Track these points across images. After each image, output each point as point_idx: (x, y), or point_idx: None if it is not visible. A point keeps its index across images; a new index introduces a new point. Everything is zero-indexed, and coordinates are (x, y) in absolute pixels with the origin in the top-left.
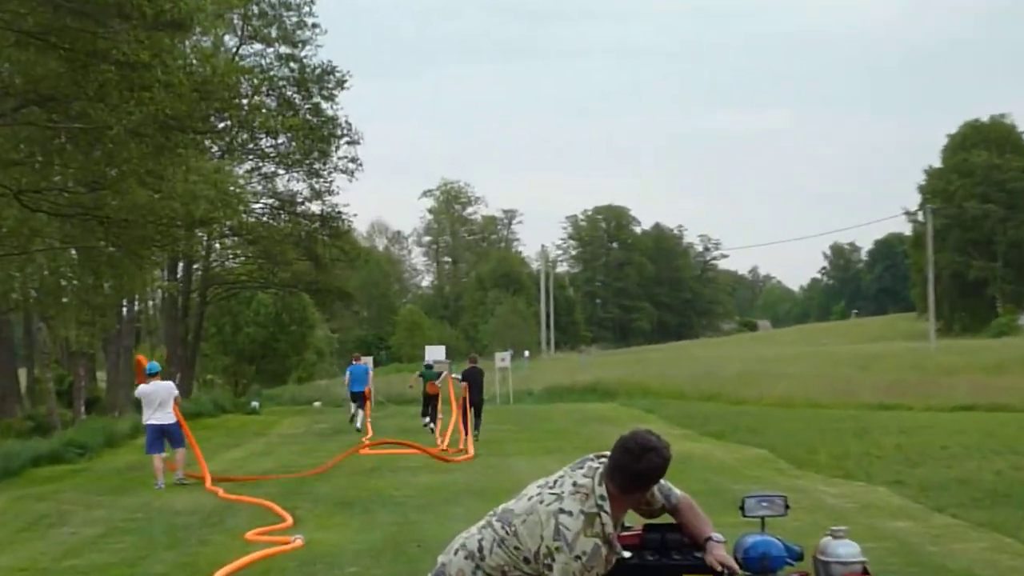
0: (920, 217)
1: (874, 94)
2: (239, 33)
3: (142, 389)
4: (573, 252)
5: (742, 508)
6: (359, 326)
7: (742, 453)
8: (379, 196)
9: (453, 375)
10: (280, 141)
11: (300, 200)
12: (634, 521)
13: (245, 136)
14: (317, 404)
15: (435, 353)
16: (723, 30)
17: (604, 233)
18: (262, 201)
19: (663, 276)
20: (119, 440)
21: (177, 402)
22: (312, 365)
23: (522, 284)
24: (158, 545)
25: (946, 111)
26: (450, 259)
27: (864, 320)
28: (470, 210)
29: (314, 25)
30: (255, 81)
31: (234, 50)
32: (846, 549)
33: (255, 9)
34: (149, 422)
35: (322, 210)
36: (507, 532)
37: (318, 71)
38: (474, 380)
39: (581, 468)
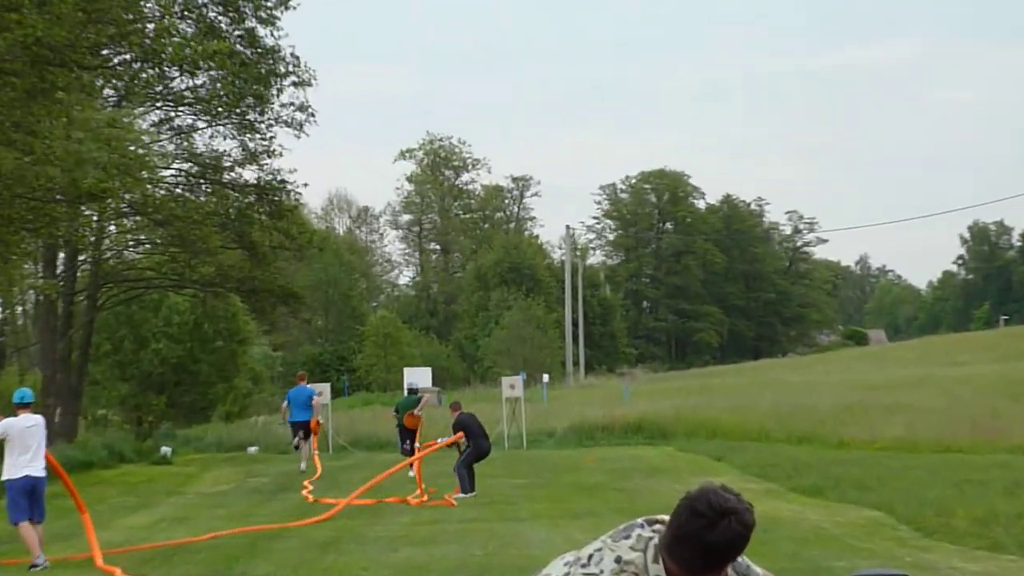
0: None
1: None
2: None
3: (6, 425)
4: (611, 236)
5: None
6: (311, 340)
7: (846, 516)
8: (339, 159)
9: (427, 398)
10: (200, 81)
11: (228, 165)
12: None
13: (151, 73)
14: (253, 449)
15: (418, 377)
16: None
17: (654, 210)
18: (175, 166)
19: (736, 269)
20: None
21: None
22: (246, 396)
23: (539, 281)
24: None
25: None
26: (438, 246)
27: (1017, 329)
28: (466, 178)
29: None
30: None
31: None
32: None
33: None
34: (12, 476)
35: (259, 179)
36: None
37: None
38: (471, 426)
39: (627, 538)
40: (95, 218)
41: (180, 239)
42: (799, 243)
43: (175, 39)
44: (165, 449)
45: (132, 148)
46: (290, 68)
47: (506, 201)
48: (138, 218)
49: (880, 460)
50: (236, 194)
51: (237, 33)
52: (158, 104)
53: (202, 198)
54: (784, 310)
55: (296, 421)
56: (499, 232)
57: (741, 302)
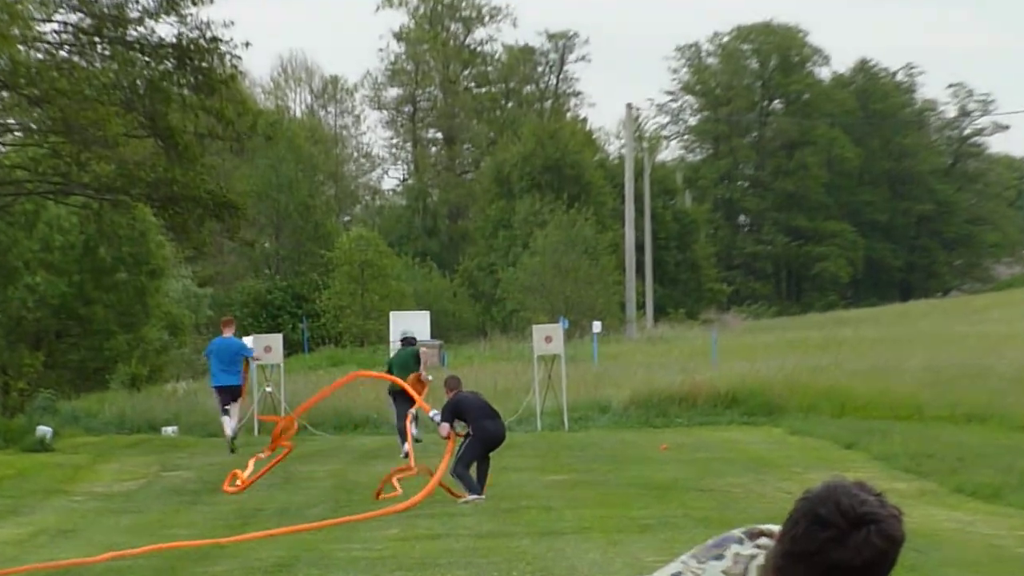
0: None
1: None
2: None
3: None
4: (692, 120)
5: None
6: (255, 273)
7: None
8: (296, 7)
9: (425, 355)
10: None
11: (136, 16)
12: None
13: None
14: (170, 430)
15: (411, 324)
16: None
17: (756, 82)
18: (59, 18)
19: (876, 169)
20: None
21: None
22: (159, 353)
23: (588, 186)
24: None
25: None
26: (439, 135)
27: None
28: (481, 35)
29: None
30: None
31: None
32: None
33: None
34: None
35: (180, 36)
36: None
37: None
38: (471, 407)
39: (719, 558)
40: None
41: (65, 124)
42: (968, 131)
43: None
44: (43, 429)
45: None
46: None
47: (539, 69)
48: (4, 94)
49: None
50: (146, 59)
51: None
52: None
53: (97, 65)
54: (945, 229)
55: (221, 386)
56: (529, 114)
57: (883, 217)
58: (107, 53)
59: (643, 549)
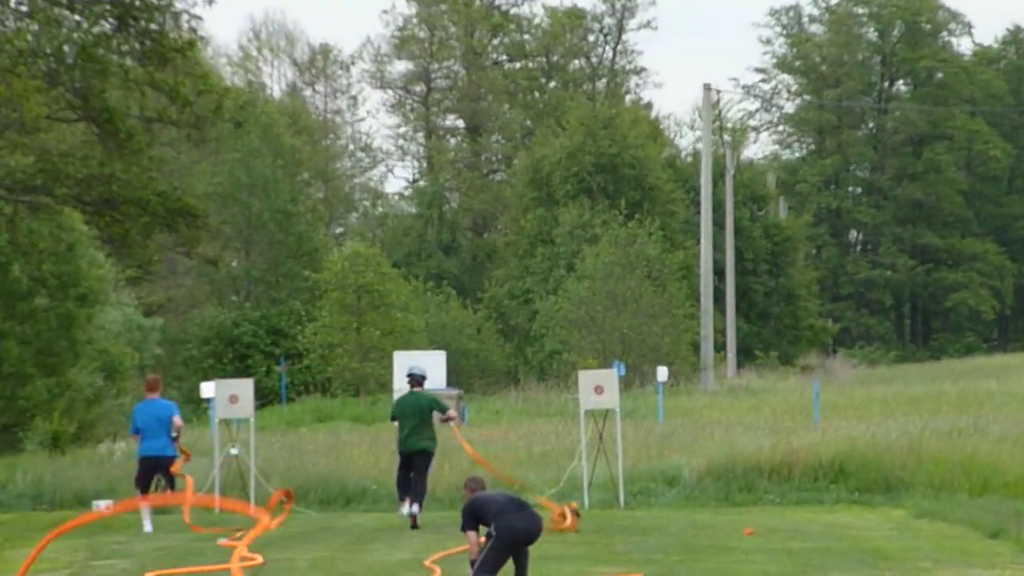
0: None
1: None
2: None
3: None
4: (789, 106)
5: None
6: (219, 299)
7: None
8: None
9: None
10: None
11: None
12: None
13: None
14: (101, 504)
15: (422, 367)
16: None
17: (874, 56)
18: None
19: None
20: None
21: None
22: (91, 403)
23: (651, 191)
24: None
25: None
26: (461, 123)
27: None
28: None
29: None
30: None
31: None
32: None
33: None
34: None
35: None
36: None
37: None
38: (492, 506)
39: None
40: None
41: None
42: None
43: None
44: None
45: None
46: None
47: (591, 39)
48: None
49: None
50: (77, 18)
51: None
52: None
53: (11, 24)
54: None
55: (149, 456)
56: (577, 97)
57: None
58: (24, 9)
59: None
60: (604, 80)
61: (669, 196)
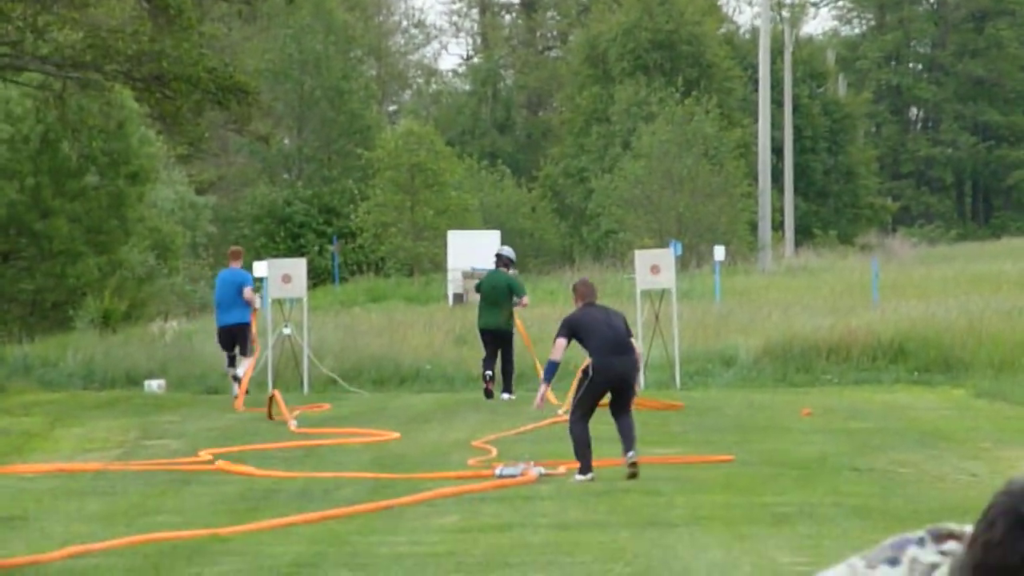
0: None
1: None
2: None
3: None
4: None
5: None
6: (271, 177)
7: None
8: None
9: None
10: None
11: None
12: None
13: None
14: (155, 385)
15: (476, 246)
16: None
17: None
18: None
19: None
20: None
21: None
22: (143, 282)
23: (710, 68)
24: None
25: None
26: (516, 0)
27: None
28: None
29: None
30: None
31: None
32: None
33: None
34: None
35: None
36: None
37: None
38: (590, 326)
39: (893, 563)
40: None
41: None
42: None
43: None
44: None
45: None
46: None
47: None
48: None
49: None
50: None
51: None
52: None
53: None
54: None
55: (225, 326)
56: None
57: None
58: None
59: (778, 547)
60: None
61: (727, 73)
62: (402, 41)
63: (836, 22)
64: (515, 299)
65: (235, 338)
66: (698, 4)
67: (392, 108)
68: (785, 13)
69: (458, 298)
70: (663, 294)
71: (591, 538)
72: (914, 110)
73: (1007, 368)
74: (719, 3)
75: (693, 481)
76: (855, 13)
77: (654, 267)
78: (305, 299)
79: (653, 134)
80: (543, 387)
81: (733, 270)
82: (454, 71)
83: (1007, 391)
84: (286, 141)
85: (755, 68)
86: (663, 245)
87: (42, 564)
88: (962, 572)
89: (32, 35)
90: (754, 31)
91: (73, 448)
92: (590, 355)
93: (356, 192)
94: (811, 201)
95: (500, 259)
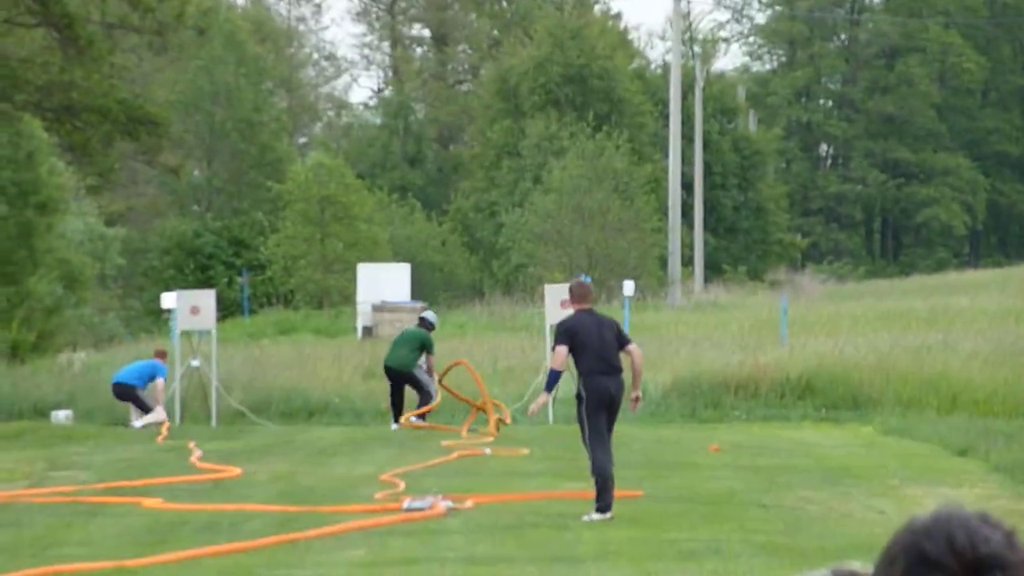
0: None
1: None
2: None
3: None
4: (758, 18)
5: None
6: (181, 209)
7: None
8: None
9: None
10: None
11: None
12: None
13: None
14: (62, 415)
15: (386, 280)
16: None
17: None
18: None
19: (1004, 86)
20: None
21: None
22: (51, 313)
23: (620, 103)
24: None
25: None
26: (427, 31)
27: None
28: None
29: None
30: None
31: None
32: None
33: None
34: None
35: None
36: None
37: None
38: (590, 353)
39: None
40: None
41: None
42: None
43: None
44: None
45: None
46: None
47: None
48: None
49: None
50: None
51: None
52: None
53: None
54: None
55: (118, 383)
56: (545, 7)
57: (1014, 149)
58: None
59: None
60: None
61: (638, 108)
62: (313, 73)
63: (747, 58)
64: (424, 354)
65: (125, 397)
66: (609, 39)
67: (303, 140)
68: (696, 49)
69: (367, 331)
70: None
71: (499, 572)
72: (824, 146)
73: (915, 405)
74: (630, 38)
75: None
76: (766, 49)
77: (564, 301)
78: (213, 331)
79: (564, 168)
80: (543, 396)
81: (643, 305)
82: (365, 104)
83: (914, 428)
84: (196, 173)
85: (666, 103)
86: (573, 279)
87: None
88: None
89: None
90: (665, 66)
91: None
92: (579, 373)
93: (266, 224)
94: (721, 237)
95: (423, 321)
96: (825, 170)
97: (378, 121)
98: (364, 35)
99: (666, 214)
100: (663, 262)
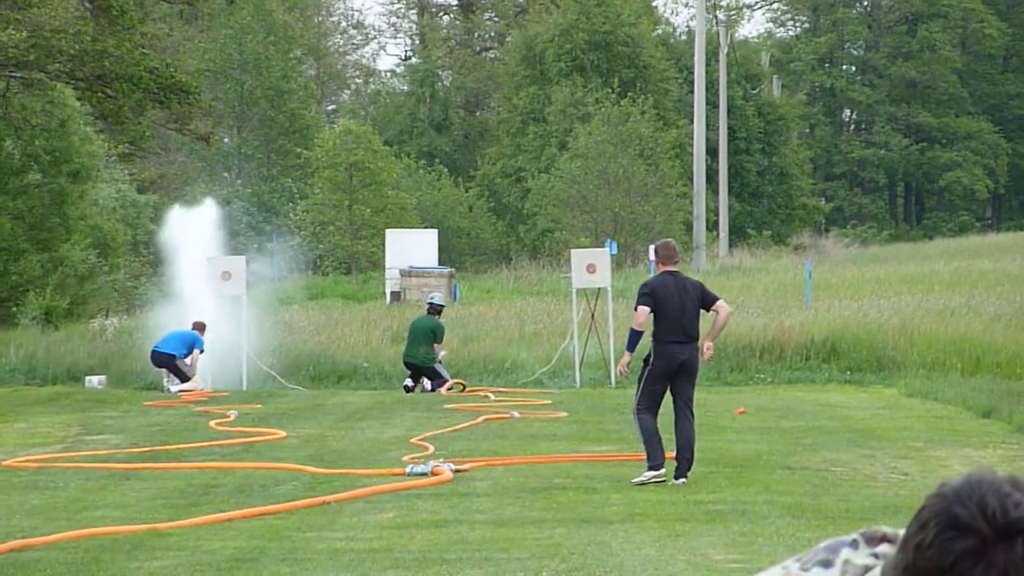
0: None
1: None
2: None
3: None
4: None
5: None
6: (212, 175)
7: None
8: None
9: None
10: None
11: None
12: None
13: None
14: (95, 381)
15: (414, 245)
16: None
17: None
18: None
19: None
20: None
21: None
22: (83, 279)
23: (644, 69)
24: None
25: None
26: (454, 1)
27: None
28: None
29: None
30: None
31: None
32: None
33: None
34: None
35: None
36: None
37: None
38: (667, 319)
39: (827, 565)
40: None
41: None
42: None
43: None
44: None
45: None
46: None
47: None
48: None
49: None
50: None
51: None
52: None
53: None
54: None
55: (158, 351)
56: None
57: None
58: None
59: (712, 544)
60: None
61: (662, 75)
62: (341, 41)
63: (771, 24)
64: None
65: (164, 365)
66: (634, 6)
67: (331, 108)
68: (720, 15)
69: (395, 296)
70: (599, 293)
71: (527, 535)
72: (847, 112)
73: (938, 368)
74: (655, 5)
75: (628, 478)
76: (789, 16)
77: (590, 266)
78: (244, 296)
79: (589, 134)
80: (626, 355)
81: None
82: (392, 71)
83: (938, 390)
84: (226, 140)
85: (690, 70)
86: (599, 244)
87: None
88: (894, 574)
89: None
90: (690, 33)
91: (16, 443)
92: (653, 338)
93: (295, 191)
94: (745, 202)
95: (432, 306)
96: (848, 135)
97: (405, 88)
98: (391, 3)
99: (691, 179)
100: (688, 227)
